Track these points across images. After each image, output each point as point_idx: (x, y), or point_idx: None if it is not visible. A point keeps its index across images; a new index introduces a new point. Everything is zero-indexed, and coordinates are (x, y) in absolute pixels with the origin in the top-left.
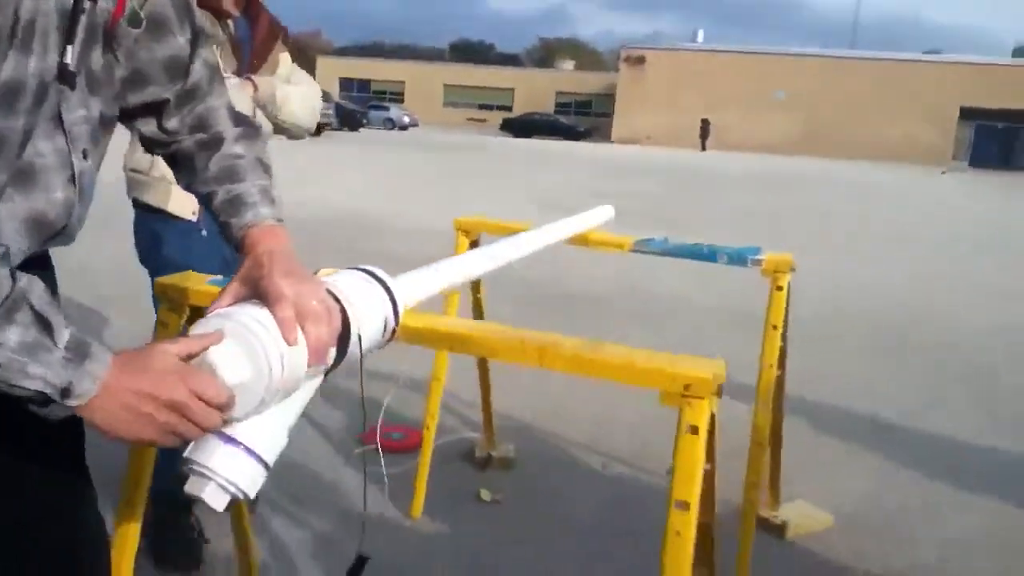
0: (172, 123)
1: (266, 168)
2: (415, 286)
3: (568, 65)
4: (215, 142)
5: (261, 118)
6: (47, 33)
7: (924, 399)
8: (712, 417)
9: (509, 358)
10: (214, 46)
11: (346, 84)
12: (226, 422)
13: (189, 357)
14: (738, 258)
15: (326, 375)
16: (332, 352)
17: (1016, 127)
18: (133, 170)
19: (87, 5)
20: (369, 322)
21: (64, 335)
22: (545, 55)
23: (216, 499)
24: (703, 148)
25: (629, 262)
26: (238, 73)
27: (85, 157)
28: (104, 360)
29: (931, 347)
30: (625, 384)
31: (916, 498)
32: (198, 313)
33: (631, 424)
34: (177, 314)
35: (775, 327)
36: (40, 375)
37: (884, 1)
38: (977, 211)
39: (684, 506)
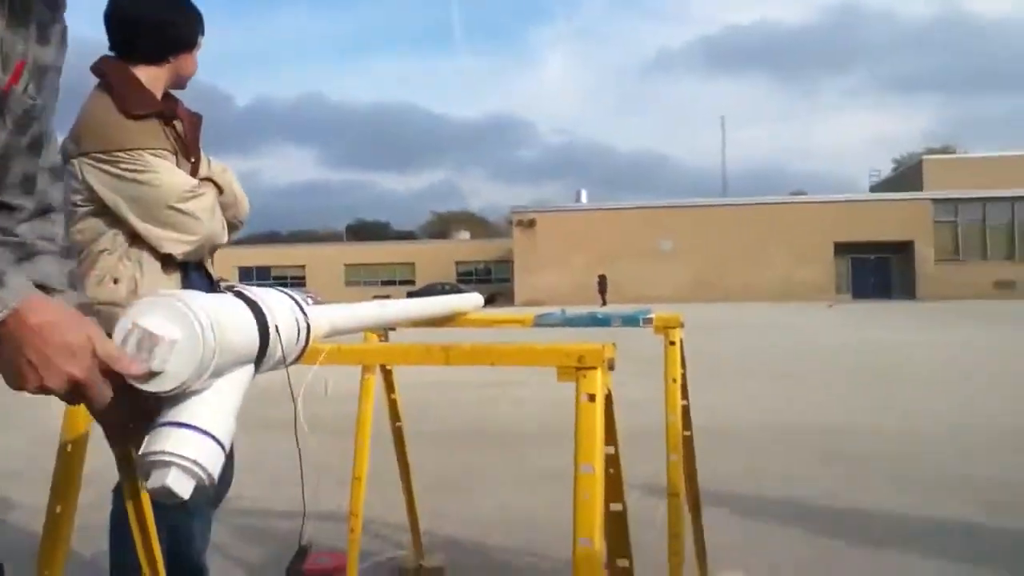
0: None
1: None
2: (319, 311)
3: (464, 235)
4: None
5: (218, 220)
6: None
7: (831, 482)
8: (608, 392)
9: (419, 362)
10: (166, 153)
11: (245, 273)
12: (174, 405)
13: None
14: (631, 320)
15: (257, 369)
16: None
17: (886, 258)
18: (106, 303)
19: None
20: (282, 315)
21: None
22: (440, 228)
23: (181, 484)
24: (603, 303)
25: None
26: (192, 174)
27: None
28: (20, 292)
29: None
30: (524, 366)
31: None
32: None
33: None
34: None
35: (674, 380)
36: None
37: (746, 153)
38: (860, 339)
39: (590, 468)
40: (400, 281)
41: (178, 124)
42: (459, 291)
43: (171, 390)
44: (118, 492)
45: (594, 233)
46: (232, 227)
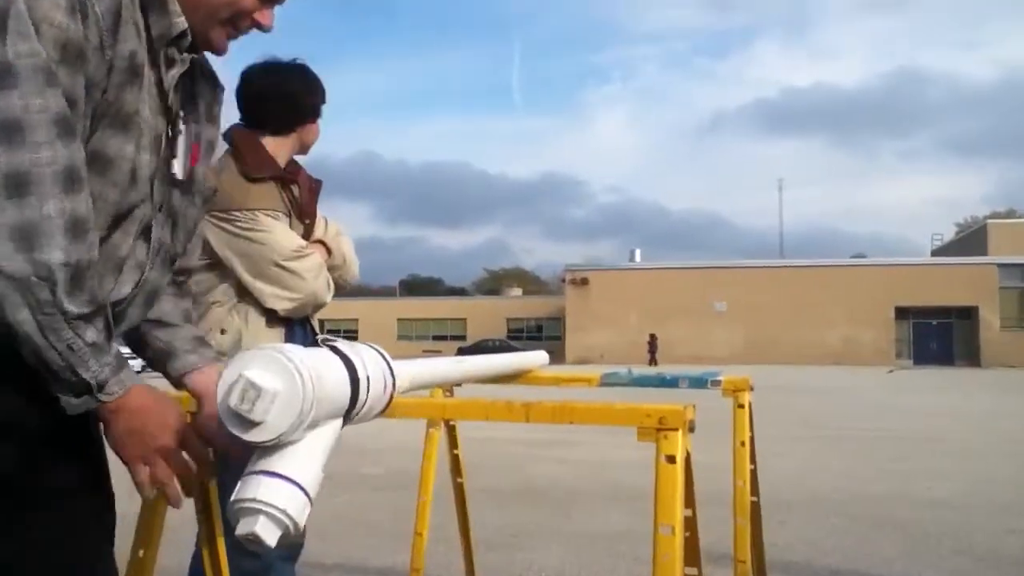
0: None
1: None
2: (401, 366)
3: (516, 292)
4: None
5: (323, 280)
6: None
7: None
8: (687, 453)
9: (500, 417)
10: (279, 215)
11: None
12: (267, 453)
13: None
14: (699, 382)
15: (345, 422)
16: (348, 391)
17: (948, 323)
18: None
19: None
20: (372, 371)
21: (115, 346)
22: (492, 285)
23: (268, 532)
24: (653, 363)
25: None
26: (305, 237)
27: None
28: (134, 377)
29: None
30: (605, 425)
31: None
32: None
33: None
34: None
35: (743, 443)
36: (96, 370)
37: (804, 215)
38: (930, 407)
39: (669, 530)
40: (451, 336)
41: (295, 188)
42: (509, 348)
43: (268, 440)
44: (196, 556)
45: (647, 292)
46: (339, 287)
